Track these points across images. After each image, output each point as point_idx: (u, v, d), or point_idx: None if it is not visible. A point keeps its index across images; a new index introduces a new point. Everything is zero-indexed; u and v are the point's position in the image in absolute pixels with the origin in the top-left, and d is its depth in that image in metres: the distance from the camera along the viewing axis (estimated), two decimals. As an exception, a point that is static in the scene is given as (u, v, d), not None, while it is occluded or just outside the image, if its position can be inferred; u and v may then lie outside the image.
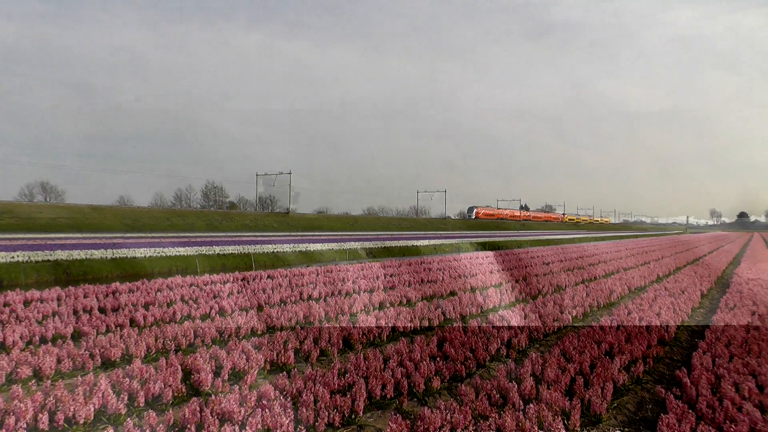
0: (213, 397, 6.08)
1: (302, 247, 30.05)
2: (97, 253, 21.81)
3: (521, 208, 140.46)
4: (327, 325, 10.13)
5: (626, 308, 12.40)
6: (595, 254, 31.95)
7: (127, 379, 6.74)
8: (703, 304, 15.33)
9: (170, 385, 6.62)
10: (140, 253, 23.27)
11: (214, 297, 13.11)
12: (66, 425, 5.70)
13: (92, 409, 5.87)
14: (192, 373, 7.19)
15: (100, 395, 6.13)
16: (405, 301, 13.72)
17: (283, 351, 8.21)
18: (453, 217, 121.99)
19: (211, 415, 5.64)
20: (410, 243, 38.68)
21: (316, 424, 5.75)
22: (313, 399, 6.21)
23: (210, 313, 11.36)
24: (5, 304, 11.39)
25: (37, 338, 9.02)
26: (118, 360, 8.02)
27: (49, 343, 8.41)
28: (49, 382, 6.60)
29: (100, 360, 7.89)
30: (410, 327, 10.59)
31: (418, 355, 8.12)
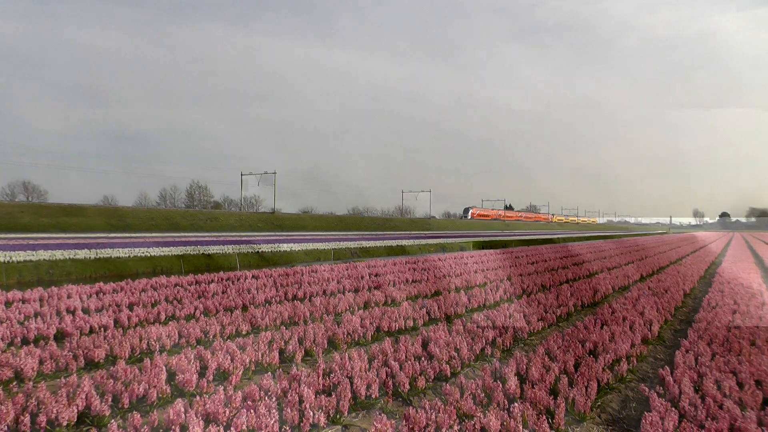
0: (198, 397, 6.07)
1: (287, 246, 29.98)
2: (81, 253, 21.66)
3: (506, 208, 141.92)
4: (312, 325, 10.12)
5: (610, 307, 12.51)
6: (580, 253, 32.12)
7: (111, 380, 6.71)
8: (686, 303, 15.47)
9: (155, 386, 6.60)
10: (124, 253, 23.13)
11: (199, 297, 13.06)
12: (48, 427, 5.66)
13: (75, 411, 5.83)
14: (177, 373, 7.16)
15: (84, 397, 6.09)
16: (390, 301, 13.73)
17: (267, 351, 8.20)
18: (438, 217, 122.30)
19: (196, 416, 5.63)
20: (395, 243, 38.72)
21: (301, 424, 5.76)
22: (298, 399, 6.22)
23: (195, 313, 11.32)
24: (-13, 305, 11.28)
25: (19, 339, 8.94)
26: (102, 361, 7.97)
27: (31, 345, 8.34)
28: (31, 383, 6.55)
29: (83, 361, 7.84)
30: (395, 327, 10.61)
31: (403, 354, 8.14)
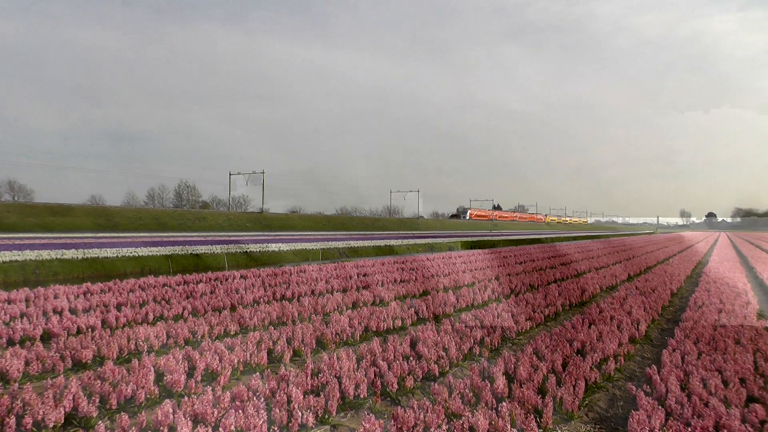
0: (186, 398, 6.05)
1: (275, 246, 29.93)
2: (68, 253, 21.51)
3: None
4: (300, 325, 10.12)
5: (598, 307, 12.58)
6: (568, 253, 32.26)
7: (98, 381, 6.67)
8: (673, 302, 15.59)
9: (143, 387, 6.58)
10: (112, 253, 23.00)
11: (187, 297, 13.03)
12: (35, 429, 5.63)
13: (62, 412, 5.80)
14: (165, 374, 7.14)
15: (71, 398, 6.05)
16: (378, 301, 13.75)
17: (256, 351, 8.19)
18: (426, 217, 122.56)
19: (184, 417, 5.62)
20: (383, 242, 38.73)
21: (290, 424, 5.76)
22: (286, 399, 6.22)
23: (183, 313, 11.29)
24: (-28, 306, 11.18)
25: (4, 340, 8.88)
26: (89, 362, 7.94)
27: (17, 345, 8.27)
28: (17, 385, 6.50)
29: (70, 362, 7.80)
30: (383, 326, 10.62)
31: (392, 354, 8.16)
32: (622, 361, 8.80)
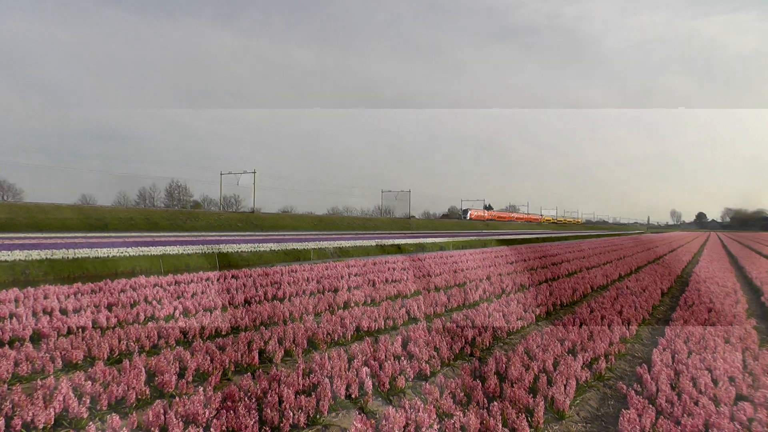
0: (177, 399, 6.04)
1: (267, 246, 29.87)
2: (58, 253, 21.39)
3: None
4: (291, 325, 10.11)
5: (589, 306, 12.63)
6: (558, 253, 32.36)
7: (89, 381, 6.64)
8: (664, 301, 15.67)
9: (134, 388, 6.56)
10: (103, 253, 22.88)
11: (178, 297, 12.99)
12: (24, 430, 5.60)
13: (52, 414, 5.77)
14: (156, 374, 7.13)
15: (61, 399, 6.02)
16: (369, 301, 13.75)
17: (247, 352, 8.18)
18: (417, 217, 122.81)
19: (175, 418, 5.60)
20: (374, 242, 38.73)
21: (281, 424, 5.76)
22: (277, 399, 6.22)
23: (174, 313, 11.25)
24: (-39, 306, 11.11)
25: (-6, 341, 8.84)
26: (80, 362, 7.90)
27: (6, 346, 8.23)
28: (6, 386, 6.46)
29: (61, 363, 7.76)
30: (375, 326, 10.63)
31: (383, 354, 8.16)
32: (613, 360, 8.84)
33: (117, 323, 10.38)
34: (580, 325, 10.54)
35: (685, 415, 6.17)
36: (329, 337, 9.60)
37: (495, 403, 6.20)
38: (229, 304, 12.47)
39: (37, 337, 9.31)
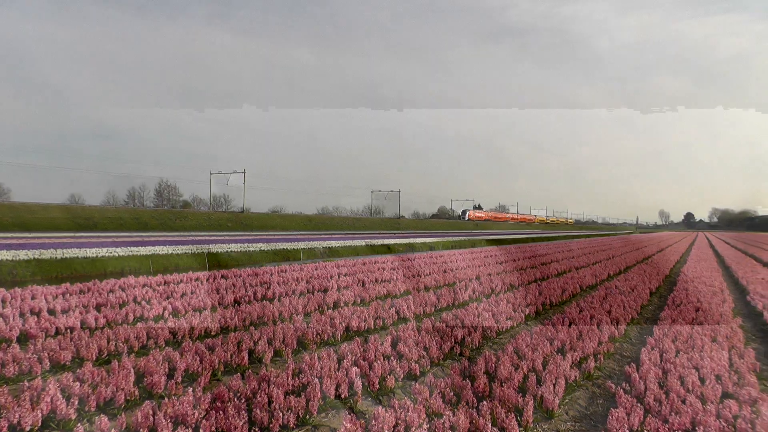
0: (166, 399, 6.03)
1: (256, 246, 29.81)
2: (46, 253, 21.25)
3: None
4: (281, 325, 10.10)
5: (578, 306, 12.69)
6: (548, 253, 32.48)
7: (77, 383, 6.61)
8: (652, 301, 15.77)
9: (122, 389, 6.53)
10: (92, 252, 22.75)
11: (168, 297, 12.94)
12: (11, 432, 5.58)
13: (40, 415, 5.74)
14: (145, 375, 7.11)
15: (49, 400, 5.99)
16: (359, 301, 13.76)
17: (237, 352, 8.18)
18: (407, 217, 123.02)
19: (164, 419, 5.59)
20: (364, 242, 38.73)
21: (271, 425, 5.76)
22: (267, 400, 6.22)
23: (163, 314, 11.22)
24: (-52, 307, 11.03)
25: (-19, 342, 8.77)
26: (68, 363, 7.86)
27: (-6, 347, 8.18)
28: (-7, 387, 6.42)
29: (48, 364, 7.71)
30: (364, 326, 10.64)
31: (373, 354, 8.17)
32: (602, 359, 8.89)
33: (106, 324, 10.33)
34: (569, 325, 10.59)
35: (672, 413, 6.23)
36: (319, 337, 9.61)
37: (484, 402, 6.23)
38: (219, 304, 12.45)
39: (24, 338, 9.25)
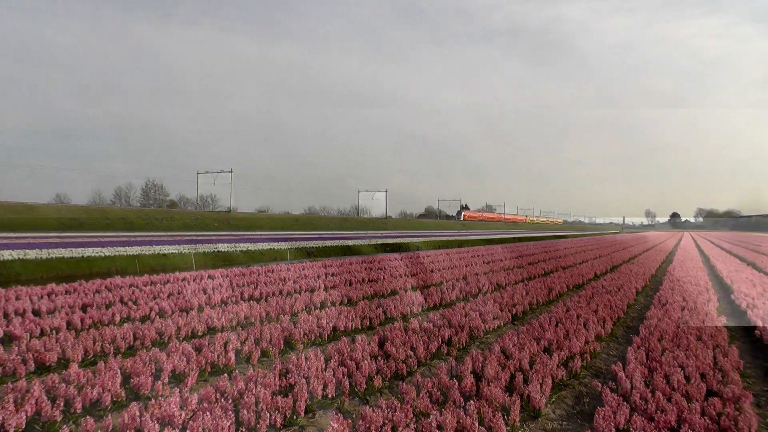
0: (153, 400, 6.00)
1: (243, 246, 29.75)
2: (31, 253, 21.10)
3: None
4: (268, 325, 10.08)
5: (565, 305, 12.75)
6: (535, 253, 32.59)
7: (63, 384, 6.56)
8: (638, 300, 15.87)
9: (109, 390, 6.50)
10: (77, 252, 22.64)
11: (154, 298, 12.89)
12: (-5, 434, 5.53)
13: (24, 417, 5.69)
14: (132, 376, 7.07)
15: (34, 402, 5.95)
16: (346, 301, 13.76)
17: (223, 352, 8.15)
18: (394, 217, 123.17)
19: (151, 420, 5.56)
20: (351, 242, 38.74)
21: (258, 425, 5.75)
22: (254, 400, 6.20)
23: (150, 314, 11.16)
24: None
25: (-36, 343, 8.69)
26: (53, 364, 7.81)
27: (-23, 349, 8.11)
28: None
29: (33, 365, 7.65)
30: (352, 326, 10.64)
31: (360, 354, 8.17)
32: (589, 358, 8.94)
33: (92, 324, 10.28)
34: (556, 324, 10.63)
35: (658, 411, 6.28)
36: (306, 337, 9.60)
37: (471, 402, 6.25)
38: (206, 304, 12.40)
39: (8, 339, 9.16)
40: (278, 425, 5.93)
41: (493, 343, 9.52)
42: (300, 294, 14.15)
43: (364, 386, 7.18)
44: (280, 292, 14.51)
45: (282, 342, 9.11)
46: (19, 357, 7.68)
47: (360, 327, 10.83)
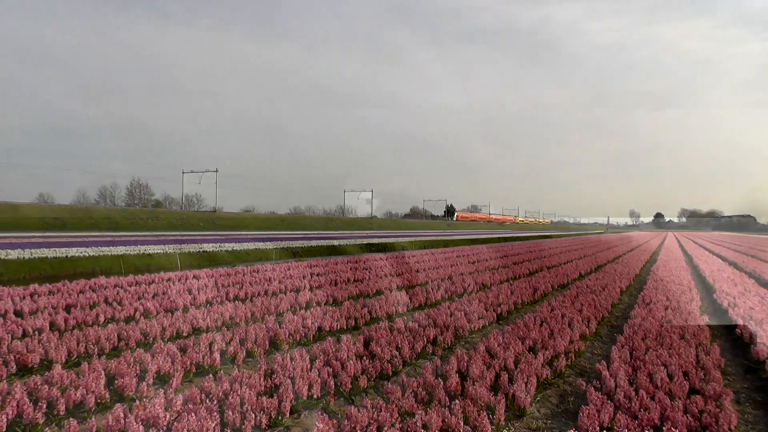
0: (137, 402, 5.98)
1: (229, 246, 29.66)
2: (14, 253, 20.89)
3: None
4: (253, 325, 10.06)
5: (549, 305, 12.82)
6: (520, 252, 32.73)
7: (45, 386, 6.51)
8: (623, 300, 15.99)
9: (93, 391, 6.46)
10: (61, 252, 22.45)
11: (139, 298, 12.81)
12: (-26, 437, 5.48)
13: (5, 420, 5.63)
14: (116, 377, 7.04)
15: (15, 404, 5.89)
16: (331, 301, 13.76)
17: (208, 353, 8.13)
18: (380, 217, 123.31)
19: (136, 421, 5.54)
20: (337, 242, 38.71)
21: (243, 426, 5.74)
22: (239, 401, 6.19)
23: (134, 315, 11.10)
24: None
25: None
26: (36, 366, 7.75)
27: (-42, 350, 8.02)
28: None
29: (15, 366, 7.58)
30: (337, 326, 10.64)
31: (345, 354, 8.18)
32: (573, 357, 9.00)
33: (75, 325, 10.21)
34: (541, 324, 10.69)
35: (642, 409, 6.34)
36: (291, 337, 9.59)
37: (457, 401, 6.27)
38: (191, 304, 12.35)
39: (-10, 340, 9.08)
40: (263, 426, 5.92)
41: (478, 342, 9.55)
42: (285, 294, 14.12)
43: (350, 386, 7.19)
44: (266, 292, 14.48)
45: (267, 342, 9.10)
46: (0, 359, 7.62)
47: (345, 327, 10.84)
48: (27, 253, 21.30)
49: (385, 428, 5.70)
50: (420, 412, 6.00)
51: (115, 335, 9.00)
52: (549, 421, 6.67)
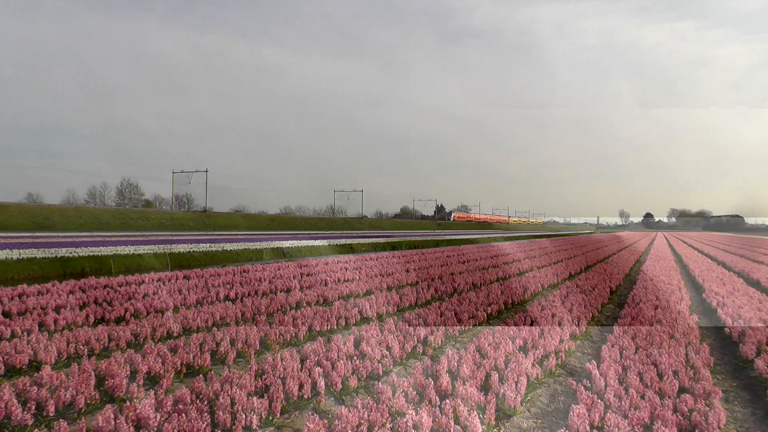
0: (128, 402, 5.96)
1: (219, 246, 29.58)
2: (2, 254, 20.75)
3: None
4: (244, 326, 10.04)
5: (540, 304, 12.86)
6: (510, 252, 32.80)
7: (35, 387, 6.48)
8: (612, 299, 16.05)
9: (83, 392, 6.43)
10: (50, 253, 22.32)
11: (129, 299, 12.76)
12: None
13: (-6, 421, 5.62)
14: (106, 378, 7.01)
15: (3, 405, 5.86)
16: (322, 301, 13.75)
17: (199, 353, 8.11)
18: (370, 217, 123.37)
19: (126, 422, 5.52)
20: (328, 242, 38.69)
21: (233, 427, 5.73)
22: (230, 401, 6.18)
23: (125, 315, 11.06)
24: None
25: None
26: (24, 367, 7.71)
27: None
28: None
29: (3, 367, 7.53)
30: (327, 326, 10.64)
31: (335, 354, 8.18)
32: (563, 357, 9.03)
33: (65, 326, 10.16)
34: (531, 323, 10.72)
35: (632, 408, 6.37)
36: (282, 337, 9.58)
37: (447, 401, 6.28)
38: (181, 305, 12.32)
39: (-21, 342, 9.03)
40: (254, 426, 5.91)
41: (468, 342, 9.58)
42: (275, 294, 14.11)
43: (340, 386, 7.19)
44: (256, 293, 14.46)
45: (258, 342, 9.08)
46: (-11, 360, 7.57)
47: (336, 327, 10.83)
48: (15, 254, 21.16)
49: (376, 428, 5.72)
50: (410, 411, 6.00)
51: (106, 336, 8.95)
52: (539, 421, 6.66)
